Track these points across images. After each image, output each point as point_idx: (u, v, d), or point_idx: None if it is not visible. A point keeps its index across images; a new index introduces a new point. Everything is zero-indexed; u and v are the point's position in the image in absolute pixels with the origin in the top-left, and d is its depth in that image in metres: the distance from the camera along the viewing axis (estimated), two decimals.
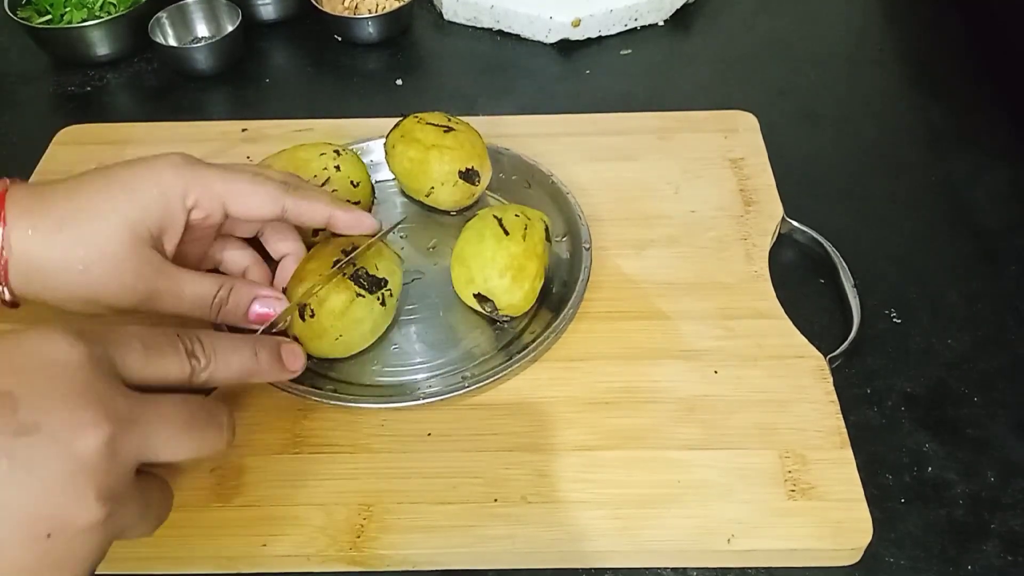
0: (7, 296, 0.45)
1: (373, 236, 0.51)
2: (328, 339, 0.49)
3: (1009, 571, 0.45)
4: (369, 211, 0.57)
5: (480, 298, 0.52)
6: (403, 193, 0.62)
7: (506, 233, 0.52)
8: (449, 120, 0.59)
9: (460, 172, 0.57)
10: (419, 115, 0.59)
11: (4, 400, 0.32)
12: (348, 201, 0.54)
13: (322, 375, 0.52)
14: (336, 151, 0.57)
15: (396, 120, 0.60)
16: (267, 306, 0.48)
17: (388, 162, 0.60)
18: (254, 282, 0.50)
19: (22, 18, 0.76)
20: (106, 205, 0.44)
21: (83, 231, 0.43)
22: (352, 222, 0.50)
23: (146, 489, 0.36)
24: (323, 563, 0.45)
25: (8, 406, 0.31)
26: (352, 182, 0.57)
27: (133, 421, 0.34)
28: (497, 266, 0.51)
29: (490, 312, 0.53)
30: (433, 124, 0.58)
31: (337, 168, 0.56)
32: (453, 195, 0.58)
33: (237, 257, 0.52)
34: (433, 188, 0.58)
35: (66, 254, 0.43)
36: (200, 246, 0.50)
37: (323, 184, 0.55)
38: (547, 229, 0.55)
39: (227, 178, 0.47)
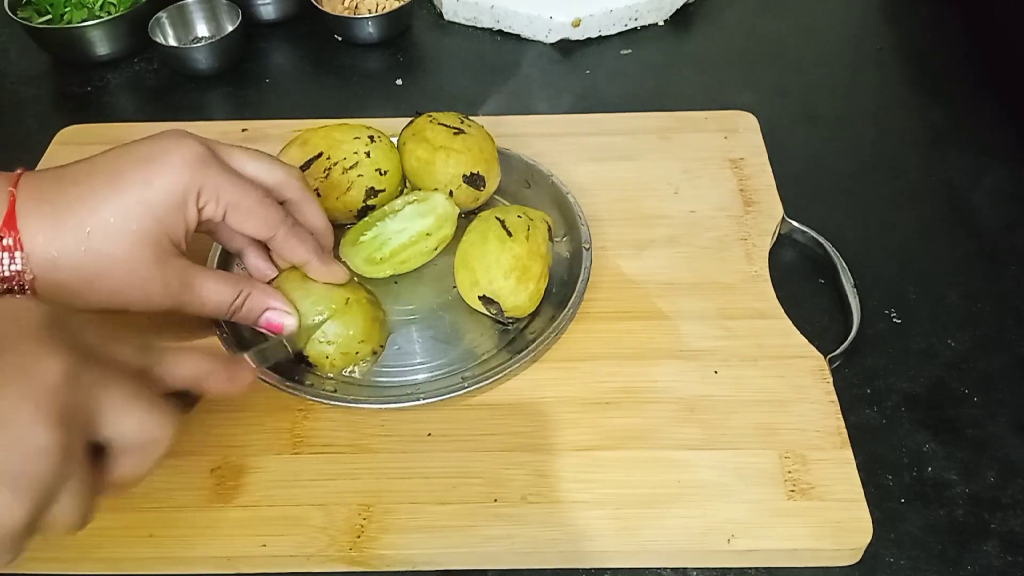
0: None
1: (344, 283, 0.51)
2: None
3: (1009, 571, 0.45)
4: (397, 198, 0.58)
5: (486, 300, 0.52)
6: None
7: (509, 234, 0.52)
8: (462, 122, 0.59)
9: (464, 176, 0.57)
10: (433, 114, 0.59)
11: None
12: (374, 188, 0.57)
13: (322, 375, 0.52)
14: (371, 137, 0.58)
15: (395, 118, 0.60)
16: (278, 319, 0.49)
17: (400, 158, 0.60)
18: (269, 290, 0.50)
19: (22, 18, 0.76)
20: (120, 218, 0.43)
21: (105, 251, 0.43)
22: (325, 274, 0.50)
23: (88, 475, 0.34)
24: (323, 563, 0.45)
25: None
26: (379, 170, 0.57)
27: (94, 360, 0.34)
28: (502, 267, 0.51)
29: (495, 314, 0.53)
30: (444, 125, 0.58)
31: (367, 154, 0.57)
32: (456, 198, 0.58)
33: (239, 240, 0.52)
34: (436, 190, 0.58)
35: (90, 279, 0.44)
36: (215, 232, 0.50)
37: (351, 168, 0.56)
38: (550, 229, 0.55)
39: (238, 191, 0.46)
